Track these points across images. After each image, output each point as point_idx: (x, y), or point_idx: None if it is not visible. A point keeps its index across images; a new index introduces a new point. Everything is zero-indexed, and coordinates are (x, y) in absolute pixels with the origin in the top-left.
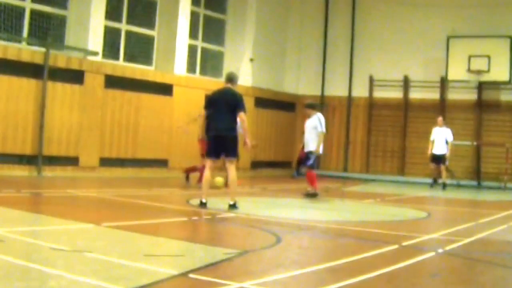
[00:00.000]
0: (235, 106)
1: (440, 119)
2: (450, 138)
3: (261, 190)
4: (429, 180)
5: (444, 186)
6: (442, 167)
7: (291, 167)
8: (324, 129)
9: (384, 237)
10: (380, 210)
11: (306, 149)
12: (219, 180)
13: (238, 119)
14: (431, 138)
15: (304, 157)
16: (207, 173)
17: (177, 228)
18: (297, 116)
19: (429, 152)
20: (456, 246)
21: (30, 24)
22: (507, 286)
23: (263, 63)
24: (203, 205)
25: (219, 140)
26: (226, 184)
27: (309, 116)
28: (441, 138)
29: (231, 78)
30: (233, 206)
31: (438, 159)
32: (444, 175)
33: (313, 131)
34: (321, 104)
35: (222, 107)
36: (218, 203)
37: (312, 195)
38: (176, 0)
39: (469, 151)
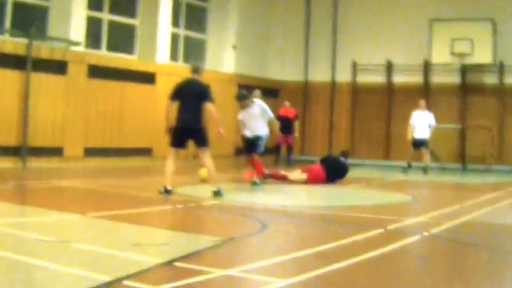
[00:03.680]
0: (202, 97)
1: (422, 102)
2: (433, 122)
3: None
4: (414, 164)
5: (425, 170)
6: (424, 150)
7: (275, 153)
8: (272, 114)
9: (370, 222)
10: (365, 194)
11: (252, 134)
12: (203, 171)
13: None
14: (411, 121)
15: (253, 144)
16: (170, 162)
17: (162, 216)
18: (281, 102)
19: (409, 136)
20: (441, 229)
21: (13, 16)
22: (492, 268)
23: (246, 50)
24: (167, 192)
25: (186, 131)
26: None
27: (246, 106)
28: (423, 122)
29: (196, 69)
30: (217, 193)
31: (419, 144)
32: (427, 158)
33: (259, 118)
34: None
35: (189, 98)
36: (202, 191)
37: (255, 183)
38: None
39: (454, 134)
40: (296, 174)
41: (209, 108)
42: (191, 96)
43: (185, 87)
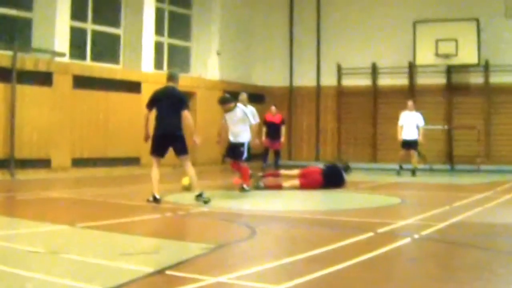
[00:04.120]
0: (179, 104)
1: (410, 103)
2: (421, 123)
3: (231, 183)
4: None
5: (414, 172)
6: (413, 152)
7: (263, 159)
8: (254, 121)
9: (359, 225)
10: (354, 198)
11: (235, 140)
12: (186, 179)
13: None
14: (400, 123)
15: (236, 150)
16: (155, 170)
17: (151, 225)
18: (267, 108)
19: (399, 137)
20: (431, 230)
21: None
22: (484, 268)
23: (230, 56)
24: (156, 200)
25: (165, 138)
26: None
27: (229, 110)
28: (411, 123)
29: (173, 77)
30: (199, 196)
31: (409, 145)
32: (415, 160)
33: (241, 123)
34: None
35: (167, 105)
36: (190, 199)
37: (244, 189)
38: None
39: (441, 135)
40: (290, 180)
41: (186, 115)
42: (168, 104)
43: (162, 95)
